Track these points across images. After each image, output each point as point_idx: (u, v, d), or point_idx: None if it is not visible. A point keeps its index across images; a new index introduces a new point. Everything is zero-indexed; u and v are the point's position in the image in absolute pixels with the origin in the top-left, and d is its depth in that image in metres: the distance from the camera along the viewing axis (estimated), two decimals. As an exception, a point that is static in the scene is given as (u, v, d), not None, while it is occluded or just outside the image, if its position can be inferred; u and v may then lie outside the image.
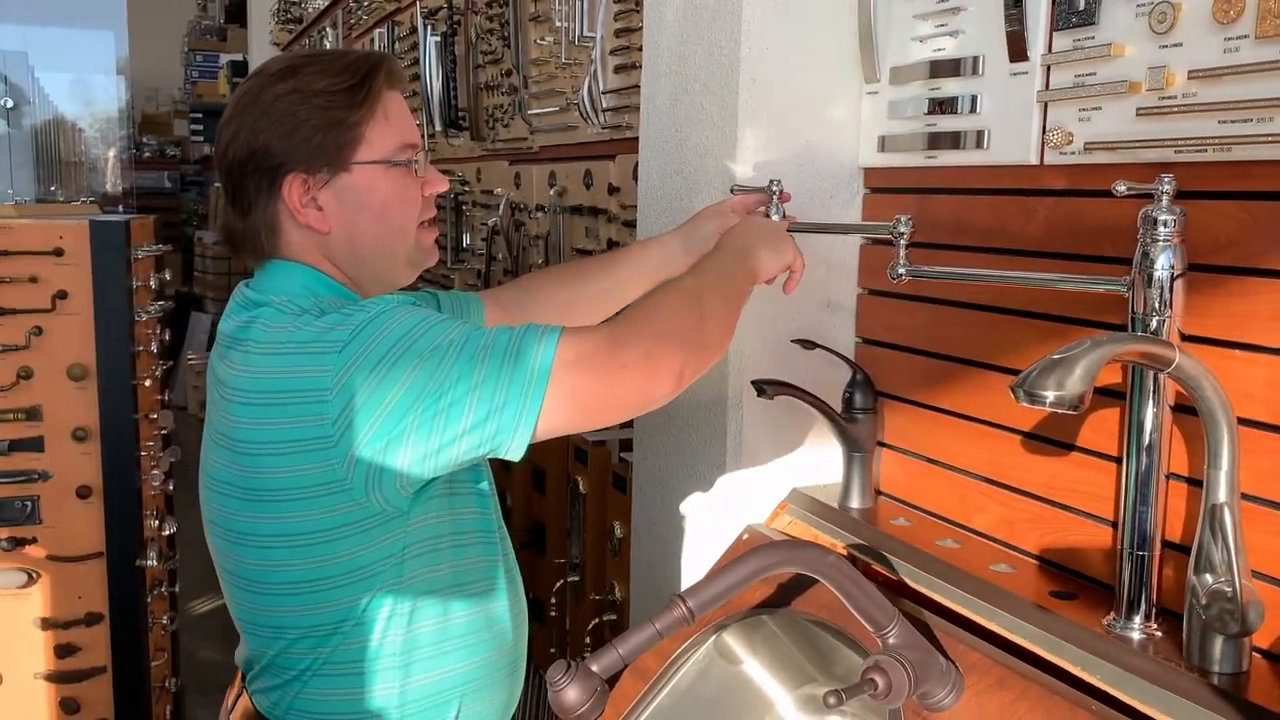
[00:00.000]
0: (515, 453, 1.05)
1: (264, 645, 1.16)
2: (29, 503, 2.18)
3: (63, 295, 2.17)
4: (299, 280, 1.17)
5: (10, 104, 3.21)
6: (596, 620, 1.99)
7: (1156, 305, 0.96)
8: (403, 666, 1.15)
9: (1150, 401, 0.99)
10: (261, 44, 6.77)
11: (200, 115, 8.74)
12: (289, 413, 1.05)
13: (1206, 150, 0.98)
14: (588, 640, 1.98)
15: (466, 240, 3.00)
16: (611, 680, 0.94)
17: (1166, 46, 1.01)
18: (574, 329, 1.07)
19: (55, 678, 2.24)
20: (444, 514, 1.15)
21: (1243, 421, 0.94)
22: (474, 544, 1.20)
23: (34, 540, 2.20)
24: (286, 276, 1.17)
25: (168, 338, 2.48)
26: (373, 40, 3.97)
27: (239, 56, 7.75)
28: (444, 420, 1.02)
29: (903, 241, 1.19)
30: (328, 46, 4.73)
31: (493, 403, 1.02)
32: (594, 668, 0.93)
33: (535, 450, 1.09)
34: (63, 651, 2.24)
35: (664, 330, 1.09)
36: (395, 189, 1.18)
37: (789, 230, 1.32)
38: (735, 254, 1.23)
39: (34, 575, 2.20)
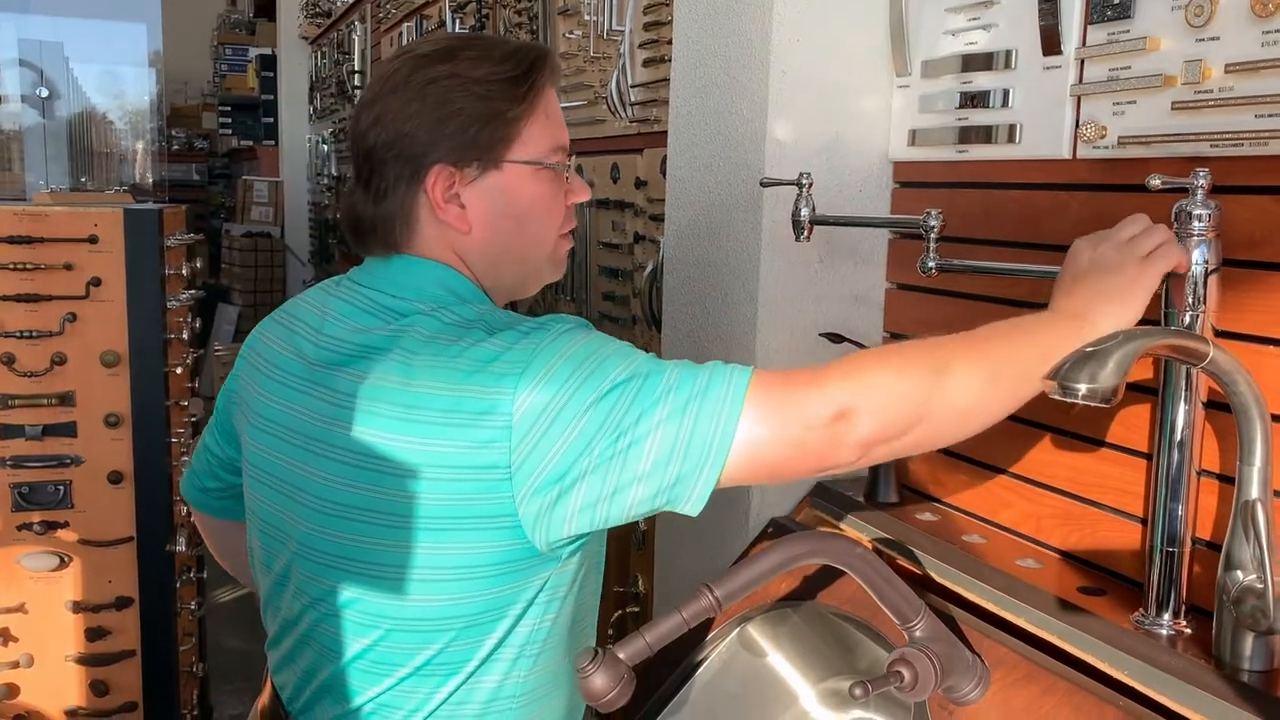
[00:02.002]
0: (694, 506, 0.93)
1: (365, 681, 1.05)
2: (61, 487, 2.21)
3: (96, 282, 2.20)
4: (436, 279, 1.07)
5: (45, 93, 3.26)
6: (620, 612, 2.00)
7: (1190, 300, 0.96)
8: (519, 709, 1.06)
9: (1183, 397, 0.98)
10: (290, 38, 6.81)
11: (229, 108, 8.81)
12: (464, 435, 0.95)
13: (1243, 144, 0.97)
14: (610, 632, 1.99)
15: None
16: (638, 669, 0.94)
17: (1203, 40, 1.00)
18: (767, 372, 0.94)
19: (86, 660, 2.27)
20: (583, 553, 1.06)
21: (1276, 418, 0.93)
22: (590, 579, 1.13)
23: (66, 524, 2.23)
24: (422, 275, 1.07)
25: (198, 326, 2.51)
26: (400, 35, 3.99)
27: (268, 50, 7.80)
28: (621, 462, 0.92)
29: (933, 235, 1.19)
30: (356, 41, 4.76)
31: (675, 446, 0.91)
32: (621, 655, 0.93)
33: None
34: (93, 635, 2.27)
35: (871, 390, 0.91)
36: (543, 194, 1.10)
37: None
38: (1064, 316, 0.96)
39: (65, 559, 2.24)
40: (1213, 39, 0.99)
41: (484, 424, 0.95)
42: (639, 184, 2.11)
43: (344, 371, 1.03)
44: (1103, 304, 0.95)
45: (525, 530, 0.97)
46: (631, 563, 2.00)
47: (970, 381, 0.93)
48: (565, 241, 1.15)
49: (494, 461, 0.95)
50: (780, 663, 1.29)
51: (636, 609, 1.98)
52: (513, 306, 1.15)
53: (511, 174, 1.08)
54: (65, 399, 2.21)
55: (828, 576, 1.23)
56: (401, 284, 1.07)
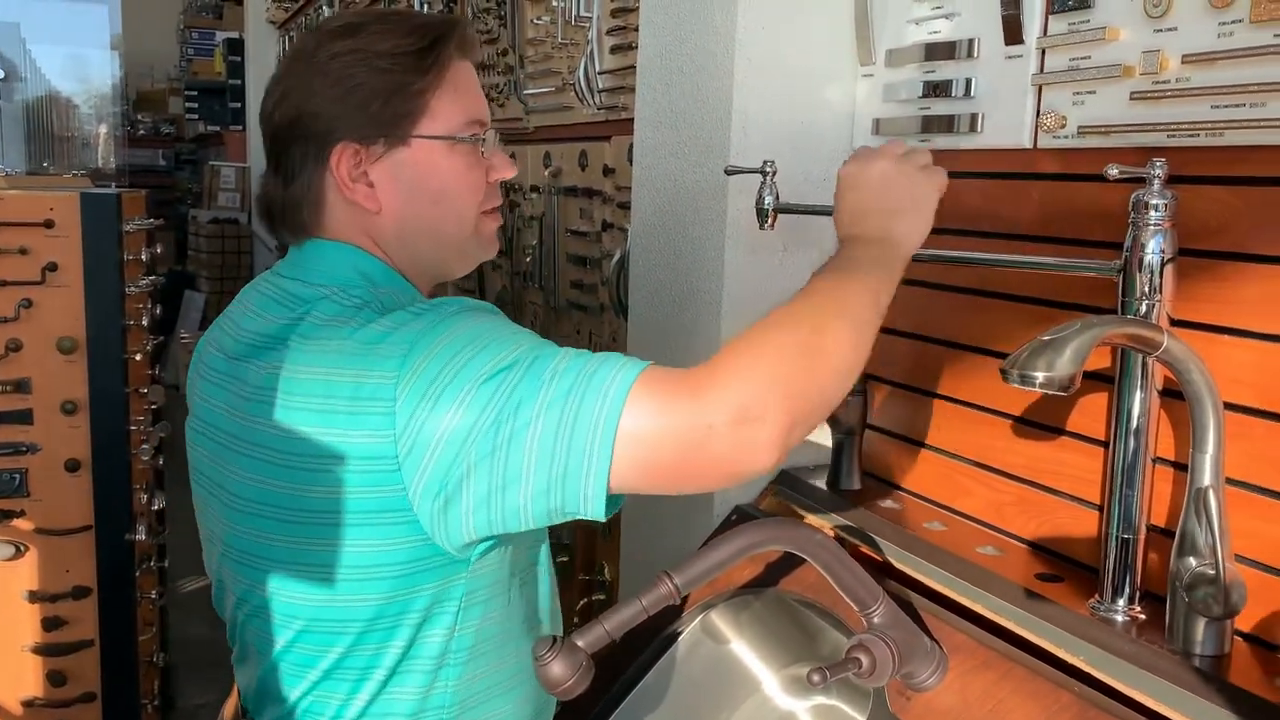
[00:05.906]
0: (592, 507, 0.87)
1: (289, 683, 1.02)
2: (17, 475, 2.18)
3: (53, 267, 2.16)
4: (348, 263, 1.03)
5: (2, 75, 3.19)
6: (585, 600, 2.00)
7: (1146, 290, 0.97)
8: (458, 716, 1.03)
9: (1138, 386, 0.99)
10: (258, 22, 6.73)
11: (195, 93, 8.70)
12: (353, 423, 0.91)
13: (1199, 135, 0.98)
14: (576, 620, 1.99)
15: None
16: (602, 657, 0.94)
17: (1161, 31, 1.01)
18: (659, 370, 0.88)
19: (43, 650, 2.24)
20: (505, 557, 1.02)
21: (1229, 406, 0.94)
22: (529, 583, 1.09)
23: (22, 513, 2.20)
24: (333, 259, 1.03)
25: (159, 313, 2.47)
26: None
27: (235, 34, 7.70)
28: (504, 455, 0.87)
29: (895, 224, 1.19)
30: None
31: (558, 437, 0.86)
32: (580, 643, 0.93)
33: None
34: (50, 624, 2.24)
35: (766, 378, 0.86)
36: (457, 170, 1.05)
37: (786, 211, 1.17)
38: (866, 245, 0.96)
39: (22, 548, 2.20)
40: (1170, 30, 1.00)
41: (369, 410, 0.90)
42: (607, 171, 2.10)
43: (251, 363, 1.00)
44: (898, 221, 0.98)
45: (425, 527, 0.92)
46: (597, 551, 2.00)
47: (842, 338, 0.91)
48: (490, 218, 1.11)
49: (382, 451, 0.90)
50: (742, 649, 1.29)
51: (602, 596, 1.98)
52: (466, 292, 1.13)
53: (421, 150, 1.04)
54: (21, 386, 2.17)
55: (790, 563, 1.24)
56: (311, 269, 1.03)
